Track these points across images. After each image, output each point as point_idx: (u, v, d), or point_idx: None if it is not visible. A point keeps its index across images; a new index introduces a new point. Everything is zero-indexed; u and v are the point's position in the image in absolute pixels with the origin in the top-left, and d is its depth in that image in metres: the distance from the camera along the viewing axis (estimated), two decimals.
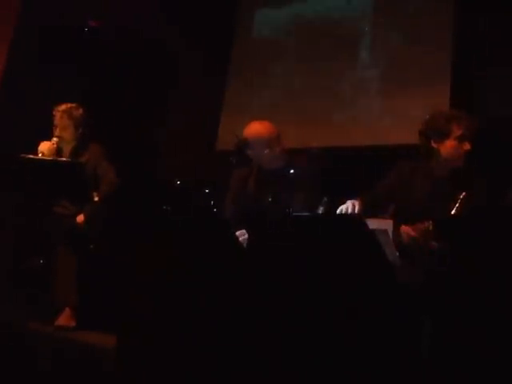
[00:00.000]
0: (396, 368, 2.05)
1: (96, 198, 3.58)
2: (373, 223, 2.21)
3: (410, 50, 4.26)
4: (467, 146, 2.69)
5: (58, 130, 3.73)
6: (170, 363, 2.47)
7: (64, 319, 3.29)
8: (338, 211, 2.64)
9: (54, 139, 3.70)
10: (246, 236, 2.67)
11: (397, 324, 2.08)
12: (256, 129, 3.30)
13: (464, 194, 2.43)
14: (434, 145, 2.76)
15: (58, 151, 3.72)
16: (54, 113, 3.77)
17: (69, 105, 3.78)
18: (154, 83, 5.12)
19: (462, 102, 3.79)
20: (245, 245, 2.55)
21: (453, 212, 2.38)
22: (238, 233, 2.83)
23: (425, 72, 4.14)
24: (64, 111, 3.75)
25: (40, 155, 3.58)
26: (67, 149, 3.79)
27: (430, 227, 2.41)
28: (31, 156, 3.30)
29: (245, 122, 3.37)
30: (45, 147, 3.65)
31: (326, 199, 2.70)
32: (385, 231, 2.30)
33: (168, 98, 5.25)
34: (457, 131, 2.70)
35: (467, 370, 1.97)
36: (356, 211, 2.59)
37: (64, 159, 3.63)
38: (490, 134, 3.53)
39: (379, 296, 2.08)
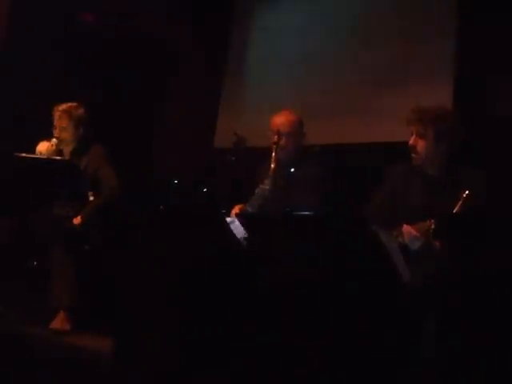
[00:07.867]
0: (397, 368, 2.05)
1: (91, 198, 3.53)
2: None
3: (412, 47, 4.23)
4: (444, 145, 2.68)
5: (57, 130, 3.66)
6: (166, 365, 2.45)
7: (58, 322, 3.27)
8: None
9: (54, 140, 3.62)
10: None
11: (399, 324, 2.09)
12: (289, 118, 3.29)
13: (467, 192, 2.41)
14: (413, 142, 2.75)
15: (58, 153, 3.65)
16: (53, 113, 3.70)
17: (69, 104, 3.71)
18: (151, 81, 5.10)
19: (466, 100, 3.78)
20: (241, 237, 2.50)
21: (455, 210, 2.36)
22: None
23: (428, 70, 4.11)
24: (64, 111, 3.68)
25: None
26: (67, 150, 3.73)
27: (432, 226, 2.39)
28: (24, 154, 3.25)
29: (242, 119, 3.34)
30: (43, 148, 3.58)
31: None
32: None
33: (165, 96, 5.23)
34: (432, 129, 2.69)
35: (468, 370, 1.95)
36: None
37: (58, 158, 3.55)
38: (492, 133, 3.51)
39: (381, 296, 2.07)
